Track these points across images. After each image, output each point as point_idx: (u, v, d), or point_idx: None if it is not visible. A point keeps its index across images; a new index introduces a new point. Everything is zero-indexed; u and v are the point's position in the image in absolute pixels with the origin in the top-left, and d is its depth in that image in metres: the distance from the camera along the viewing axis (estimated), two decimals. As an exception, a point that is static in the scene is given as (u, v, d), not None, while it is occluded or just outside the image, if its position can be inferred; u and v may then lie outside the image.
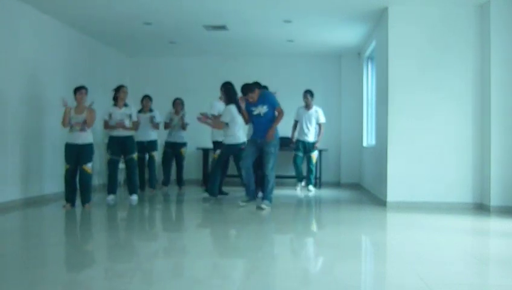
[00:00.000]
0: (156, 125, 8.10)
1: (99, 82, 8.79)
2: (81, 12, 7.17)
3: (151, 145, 8.19)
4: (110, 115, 6.83)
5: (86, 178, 6.28)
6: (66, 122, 6.23)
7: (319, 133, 8.52)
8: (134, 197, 6.99)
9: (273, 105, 6.50)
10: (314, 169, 8.71)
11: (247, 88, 6.45)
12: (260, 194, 7.11)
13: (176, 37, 8.77)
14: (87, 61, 8.60)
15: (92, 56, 8.78)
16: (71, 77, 7.61)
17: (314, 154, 8.60)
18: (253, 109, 6.50)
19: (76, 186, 6.36)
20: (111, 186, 6.94)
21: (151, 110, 8.19)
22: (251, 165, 6.56)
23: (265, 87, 7.42)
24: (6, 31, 6.37)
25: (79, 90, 6.32)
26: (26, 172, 6.77)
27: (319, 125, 8.51)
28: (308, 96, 8.44)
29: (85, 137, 6.25)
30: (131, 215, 6.31)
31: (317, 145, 8.54)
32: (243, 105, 6.68)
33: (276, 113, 6.51)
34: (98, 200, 7.15)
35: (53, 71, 7.48)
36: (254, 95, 6.42)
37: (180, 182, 8.67)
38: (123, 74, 10.01)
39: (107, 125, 6.89)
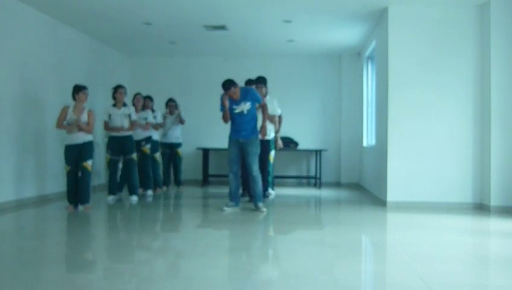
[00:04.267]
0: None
1: (99, 82, 8.78)
2: (81, 12, 7.17)
3: (152, 145, 8.15)
4: (109, 116, 6.83)
5: (86, 176, 6.17)
6: (61, 123, 6.11)
7: (277, 128, 7.31)
8: (134, 198, 6.99)
9: (257, 100, 6.22)
10: (272, 171, 7.49)
11: (231, 83, 6.04)
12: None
13: (176, 37, 8.77)
14: (87, 61, 8.60)
15: (91, 56, 8.77)
16: (71, 77, 7.59)
17: (271, 155, 7.28)
18: (235, 107, 6.14)
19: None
20: (111, 187, 6.94)
21: (153, 111, 8.18)
22: (239, 170, 6.33)
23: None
24: (3, 31, 6.35)
25: (82, 89, 6.17)
26: (23, 172, 6.73)
27: (278, 117, 7.29)
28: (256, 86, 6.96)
29: (84, 136, 6.17)
30: (131, 215, 6.31)
31: (279, 142, 7.41)
32: (226, 103, 6.12)
33: (260, 107, 6.29)
34: (98, 201, 7.15)
35: (52, 71, 7.47)
36: (237, 91, 6.08)
37: (178, 182, 8.69)
38: (123, 74, 10.01)
39: (107, 126, 6.89)
